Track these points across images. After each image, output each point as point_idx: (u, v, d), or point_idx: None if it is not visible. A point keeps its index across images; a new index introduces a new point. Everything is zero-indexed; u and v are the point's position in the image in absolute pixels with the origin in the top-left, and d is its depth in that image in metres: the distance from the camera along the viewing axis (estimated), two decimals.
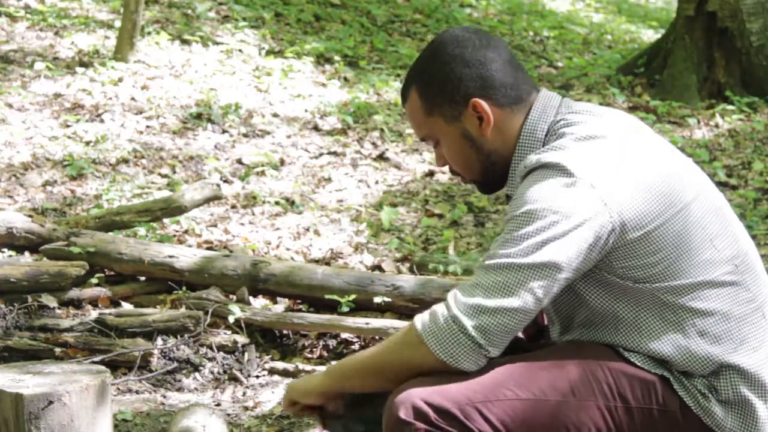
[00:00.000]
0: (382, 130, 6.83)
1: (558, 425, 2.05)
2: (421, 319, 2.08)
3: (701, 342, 2.10)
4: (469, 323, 2.02)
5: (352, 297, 4.36)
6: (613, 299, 2.13)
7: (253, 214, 5.68)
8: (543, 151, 2.14)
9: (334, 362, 2.29)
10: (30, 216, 4.76)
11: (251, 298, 4.51)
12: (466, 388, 2.04)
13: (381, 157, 6.50)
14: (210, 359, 4.16)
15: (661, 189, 2.11)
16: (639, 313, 2.12)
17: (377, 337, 4.24)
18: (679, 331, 2.10)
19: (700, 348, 2.10)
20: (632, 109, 7.36)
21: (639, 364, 2.11)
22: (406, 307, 4.32)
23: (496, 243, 2.08)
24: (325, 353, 4.29)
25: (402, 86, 2.31)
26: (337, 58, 8.14)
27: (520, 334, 2.42)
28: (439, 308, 2.07)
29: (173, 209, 5.04)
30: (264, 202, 5.79)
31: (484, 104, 2.21)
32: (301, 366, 4.15)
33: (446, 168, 2.34)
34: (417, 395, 2.03)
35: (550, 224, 2.02)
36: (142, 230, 5.05)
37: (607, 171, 2.08)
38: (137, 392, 3.97)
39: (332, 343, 4.32)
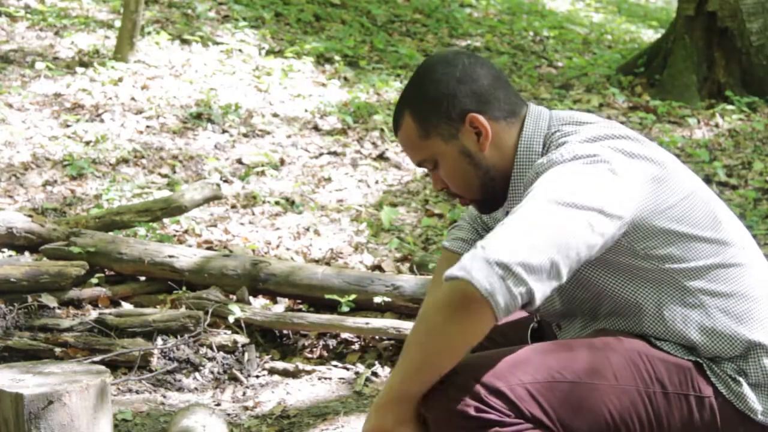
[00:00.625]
0: (382, 130, 6.83)
1: (601, 408, 2.07)
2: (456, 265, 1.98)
3: (725, 321, 2.14)
4: (505, 258, 1.93)
5: (352, 297, 4.36)
6: (635, 286, 2.15)
7: (253, 214, 5.68)
8: (549, 154, 2.16)
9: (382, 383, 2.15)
10: (30, 216, 4.76)
11: (251, 298, 4.51)
12: (518, 369, 2.05)
13: (381, 157, 6.50)
14: (210, 359, 4.16)
15: (671, 172, 2.18)
16: (661, 298, 2.15)
17: (377, 337, 4.24)
18: (703, 313, 2.14)
19: (726, 327, 2.14)
20: (632, 109, 7.36)
21: (671, 351, 2.14)
22: (406, 307, 4.32)
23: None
24: (325, 353, 4.29)
25: (394, 115, 2.31)
26: (337, 58, 8.14)
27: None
28: (464, 263, 1.97)
29: (173, 209, 5.04)
30: (264, 202, 5.79)
31: (482, 118, 2.22)
32: (301, 366, 4.15)
33: (442, 193, 2.35)
34: (470, 374, 2.03)
35: (581, 174, 2.05)
36: (142, 230, 5.05)
37: (620, 155, 2.12)
38: (137, 392, 3.97)
39: (332, 343, 4.32)
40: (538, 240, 1.96)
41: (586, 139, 2.16)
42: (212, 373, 4.13)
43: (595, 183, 2.06)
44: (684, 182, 2.20)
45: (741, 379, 2.13)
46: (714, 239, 2.16)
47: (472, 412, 2.00)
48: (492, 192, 2.29)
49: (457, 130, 2.23)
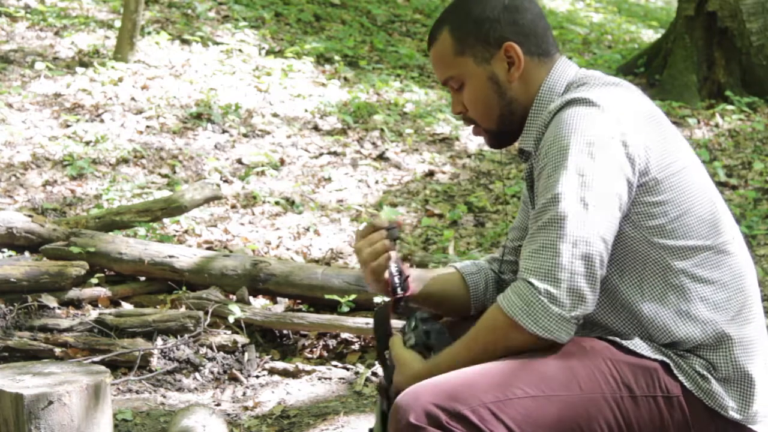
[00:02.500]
0: (382, 130, 6.83)
1: (569, 420, 2.06)
2: (505, 299, 2.06)
3: (702, 307, 2.13)
4: (552, 288, 2.01)
5: (352, 297, 4.36)
6: (623, 257, 2.14)
7: (253, 214, 5.68)
8: (567, 94, 2.18)
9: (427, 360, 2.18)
10: (30, 216, 4.76)
11: (251, 298, 4.51)
12: (476, 389, 2.03)
13: (381, 157, 6.50)
14: (210, 359, 4.16)
15: (677, 140, 2.20)
16: (644, 273, 2.13)
17: None
18: (681, 296, 2.13)
19: (701, 313, 2.13)
20: None
21: (638, 351, 2.13)
22: None
23: (541, 194, 2.09)
24: (325, 353, 4.29)
25: (432, 28, 2.31)
26: (337, 58, 8.14)
27: None
28: (517, 283, 2.05)
29: (173, 209, 5.04)
30: (264, 202, 5.79)
31: (518, 49, 2.23)
32: (301, 366, 4.15)
33: (460, 116, 2.34)
34: (427, 399, 2.01)
35: (588, 156, 2.05)
36: (142, 230, 5.05)
37: (632, 109, 2.14)
38: (137, 392, 3.97)
39: (332, 343, 4.32)
40: (583, 267, 2.02)
41: (602, 84, 2.19)
42: (212, 373, 4.13)
43: (603, 160, 2.05)
44: (689, 151, 2.22)
45: (709, 375, 2.12)
46: (708, 220, 2.16)
47: None
48: (509, 125, 2.29)
49: (492, 55, 2.24)
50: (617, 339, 2.15)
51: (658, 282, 2.14)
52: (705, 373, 2.12)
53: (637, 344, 2.14)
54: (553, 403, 2.05)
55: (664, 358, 2.13)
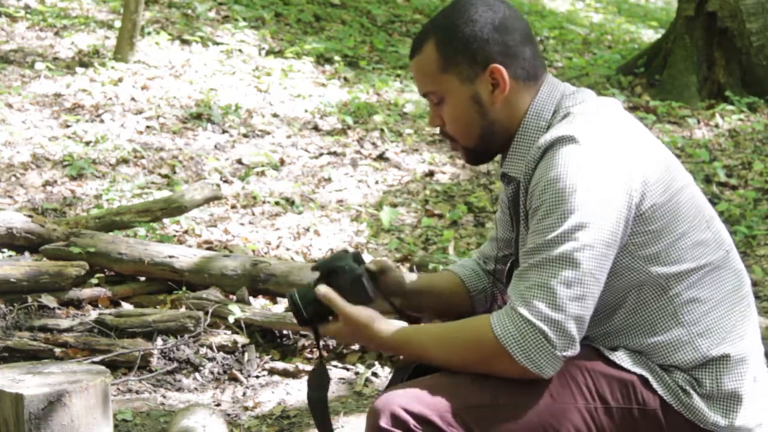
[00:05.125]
0: (382, 130, 6.83)
1: (538, 428, 2.06)
2: (500, 325, 2.03)
3: (694, 330, 2.12)
4: (547, 327, 2.00)
5: None
6: (617, 284, 2.12)
7: (253, 214, 5.68)
8: (555, 128, 2.14)
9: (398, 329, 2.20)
10: (30, 216, 4.76)
11: (251, 298, 4.51)
12: (447, 395, 2.05)
13: (381, 157, 6.50)
14: (210, 359, 4.16)
15: (668, 164, 2.16)
16: (639, 299, 2.12)
17: None
18: (674, 320, 2.12)
19: (692, 337, 2.12)
20: (632, 109, 7.36)
21: (619, 363, 2.12)
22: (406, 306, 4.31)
23: (535, 233, 2.06)
24: (324, 353, 4.29)
25: (416, 37, 2.26)
26: (337, 58, 8.14)
27: None
28: (512, 313, 2.03)
29: (173, 209, 5.04)
30: (264, 202, 5.79)
31: (504, 72, 2.19)
32: (301, 366, 4.15)
33: (437, 129, 2.31)
34: (397, 403, 2.04)
35: (584, 199, 2.02)
36: (142, 230, 5.05)
37: (622, 142, 2.11)
38: (137, 392, 3.97)
39: (332, 343, 4.32)
40: (564, 297, 2.01)
41: (590, 113, 2.15)
42: (212, 373, 4.13)
43: (598, 199, 2.03)
44: (681, 173, 2.19)
45: (692, 390, 2.11)
46: (702, 241, 2.14)
47: None
48: (488, 145, 2.26)
49: (476, 75, 2.19)
50: (600, 348, 2.14)
51: (652, 307, 2.13)
52: (688, 388, 2.11)
53: (620, 356, 2.13)
54: (523, 411, 2.05)
55: (644, 372, 2.11)
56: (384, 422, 2.03)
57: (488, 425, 2.04)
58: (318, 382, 2.34)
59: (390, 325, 2.18)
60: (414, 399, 2.04)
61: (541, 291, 2.01)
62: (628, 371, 2.11)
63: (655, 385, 2.10)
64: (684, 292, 2.12)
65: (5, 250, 4.68)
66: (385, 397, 2.07)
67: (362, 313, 2.19)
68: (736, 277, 2.19)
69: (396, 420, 2.02)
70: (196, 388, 4.05)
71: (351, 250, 2.32)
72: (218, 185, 5.27)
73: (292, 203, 5.82)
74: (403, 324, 2.21)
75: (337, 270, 2.25)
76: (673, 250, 2.11)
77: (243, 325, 4.29)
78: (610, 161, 2.06)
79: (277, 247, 5.24)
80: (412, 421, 2.02)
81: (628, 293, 2.13)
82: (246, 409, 3.84)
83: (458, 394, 2.05)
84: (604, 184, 2.04)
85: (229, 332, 4.27)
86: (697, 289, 2.13)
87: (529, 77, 2.21)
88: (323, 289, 2.22)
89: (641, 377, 2.11)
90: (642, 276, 2.11)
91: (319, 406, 2.33)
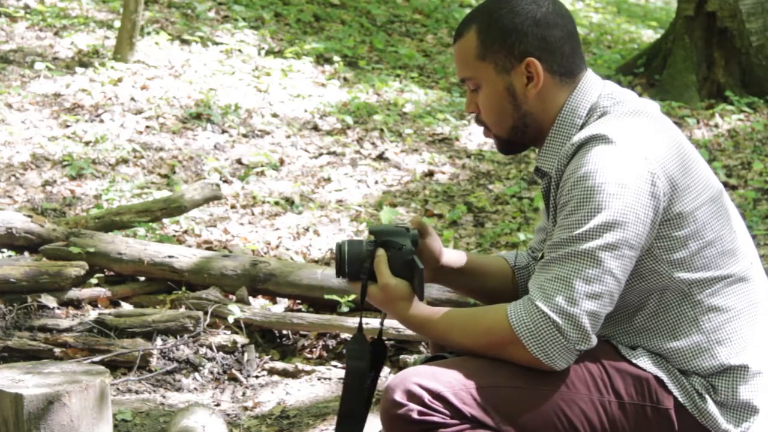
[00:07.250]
0: (381, 130, 6.83)
1: (549, 414, 2.08)
2: (516, 316, 2.07)
3: (714, 338, 2.14)
4: (561, 321, 2.03)
5: (352, 297, 4.36)
6: (641, 287, 2.14)
7: (253, 214, 5.68)
8: (589, 126, 2.16)
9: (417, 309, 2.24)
10: (29, 216, 4.76)
11: (251, 298, 4.51)
12: (462, 374, 2.08)
13: (380, 157, 6.50)
14: (210, 359, 4.16)
15: (700, 172, 2.18)
16: (660, 303, 2.14)
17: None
18: (695, 326, 2.14)
19: (711, 346, 2.13)
20: None
21: (636, 362, 2.14)
22: None
23: (562, 228, 2.08)
24: (324, 353, 4.29)
25: (461, 22, 2.29)
26: (336, 58, 8.14)
27: None
28: (529, 305, 2.06)
29: (173, 209, 5.04)
30: (263, 202, 5.79)
31: (539, 66, 2.21)
32: (300, 366, 4.15)
33: (472, 116, 2.34)
34: (413, 379, 2.07)
35: (611, 198, 2.04)
36: (141, 230, 5.05)
37: (656, 144, 2.12)
38: (137, 392, 3.97)
39: (332, 343, 4.32)
40: (583, 292, 2.04)
41: (625, 113, 2.17)
42: (212, 373, 4.13)
43: (625, 201, 2.05)
44: (713, 181, 2.20)
45: (707, 395, 2.12)
46: (728, 250, 2.15)
47: (415, 415, 2.04)
48: (520, 137, 2.28)
49: (513, 66, 2.22)
50: (619, 346, 2.16)
51: (674, 312, 2.15)
52: (703, 392, 2.13)
53: (638, 355, 2.15)
54: (535, 396, 2.08)
55: (660, 373, 2.13)
56: (399, 396, 2.05)
57: (501, 406, 2.06)
58: (358, 352, 2.30)
59: (418, 306, 2.21)
60: (429, 376, 2.07)
61: (561, 284, 2.04)
62: (644, 370, 2.13)
63: (670, 385, 2.12)
64: (706, 299, 2.13)
65: (5, 250, 4.68)
66: (400, 375, 2.11)
67: (400, 288, 2.21)
68: (759, 289, 2.20)
69: (411, 395, 2.05)
70: (195, 388, 4.05)
71: (411, 229, 2.31)
72: (218, 185, 5.27)
73: (292, 203, 5.82)
74: (430, 307, 2.24)
75: (393, 245, 2.25)
76: (698, 258, 2.12)
77: (242, 325, 4.29)
78: (640, 163, 2.07)
79: (277, 247, 5.24)
80: (427, 396, 2.04)
81: (650, 296, 2.14)
82: (246, 409, 3.84)
83: (474, 375, 2.08)
84: (633, 185, 2.05)
85: (229, 332, 4.27)
86: (719, 298, 2.14)
87: (566, 74, 2.23)
88: (380, 253, 2.23)
89: (657, 377, 2.13)
90: (666, 280, 2.13)
91: (356, 380, 2.28)
